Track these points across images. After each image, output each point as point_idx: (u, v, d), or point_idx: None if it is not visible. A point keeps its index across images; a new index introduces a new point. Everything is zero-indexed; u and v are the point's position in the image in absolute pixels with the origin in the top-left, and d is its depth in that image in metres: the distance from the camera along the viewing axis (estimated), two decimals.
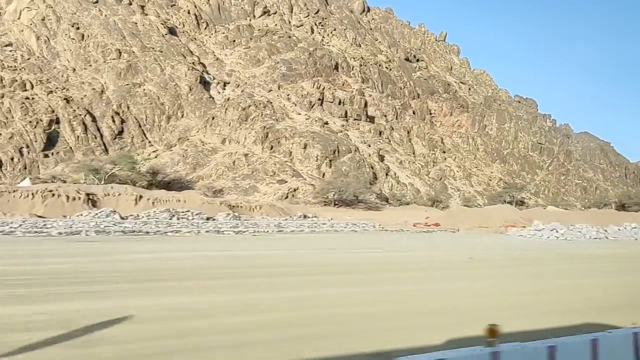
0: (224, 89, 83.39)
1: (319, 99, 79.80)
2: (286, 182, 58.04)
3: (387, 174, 70.96)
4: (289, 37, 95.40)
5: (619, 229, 46.27)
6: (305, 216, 38.42)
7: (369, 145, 75.19)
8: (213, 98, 78.91)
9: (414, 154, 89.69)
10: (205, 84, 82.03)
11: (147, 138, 71.71)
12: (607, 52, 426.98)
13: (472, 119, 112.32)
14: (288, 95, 79.72)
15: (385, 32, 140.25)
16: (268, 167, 59.99)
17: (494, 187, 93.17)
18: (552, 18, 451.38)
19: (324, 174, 62.88)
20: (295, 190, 56.22)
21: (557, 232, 32.25)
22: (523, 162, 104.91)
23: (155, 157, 67.14)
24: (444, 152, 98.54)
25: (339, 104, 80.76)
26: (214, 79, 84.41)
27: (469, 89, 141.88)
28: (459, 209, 47.98)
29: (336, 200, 57.55)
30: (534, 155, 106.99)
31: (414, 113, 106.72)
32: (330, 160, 64.54)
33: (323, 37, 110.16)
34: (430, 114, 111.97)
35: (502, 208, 47.43)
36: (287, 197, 54.59)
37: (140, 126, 72.34)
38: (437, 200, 69.77)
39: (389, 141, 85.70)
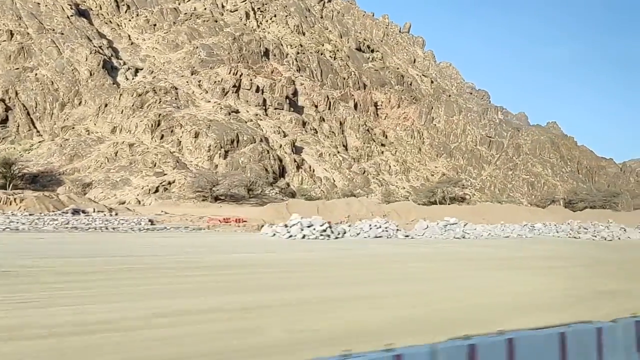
0: (136, 75, 76.74)
1: (235, 86, 73.36)
2: (165, 174, 51.62)
3: (299, 167, 64.73)
4: (215, 21, 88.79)
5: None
6: (82, 212, 30.86)
7: (285, 136, 68.91)
8: (118, 85, 72.21)
9: (344, 146, 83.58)
10: (113, 70, 75.33)
11: (35, 127, 64.91)
12: (594, 47, 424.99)
13: (419, 112, 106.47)
14: (200, 81, 73.20)
15: (339, 21, 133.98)
16: (148, 158, 53.50)
17: (435, 182, 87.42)
18: (529, 11, 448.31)
19: (216, 166, 56.52)
20: (170, 183, 49.80)
21: (314, 229, 25.40)
22: (470, 157, 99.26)
23: (37, 148, 60.42)
24: (382, 145, 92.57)
25: (257, 91, 74.38)
26: (124, 64, 77.70)
27: (432, 82, 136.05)
28: (297, 202, 41.69)
29: (222, 195, 51.23)
30: (482, 149, 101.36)
31: (356, 104, 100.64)
32: (226, 151, 58.17)
33: (261, 23, 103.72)
34: (376, 105, 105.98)
35: (353, 202, 41.23)
36: (156, 191, 48.17)
37: (28, 114, 65.52)
38: (352, 195, 63.73)
39: (316, 132, 79.51)
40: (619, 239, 35.61)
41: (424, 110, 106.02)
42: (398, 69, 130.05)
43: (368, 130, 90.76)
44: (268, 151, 61.21)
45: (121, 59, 78.60)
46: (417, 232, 34.14)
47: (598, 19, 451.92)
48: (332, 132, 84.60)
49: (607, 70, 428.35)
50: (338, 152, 75.83)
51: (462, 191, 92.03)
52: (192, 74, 75.19)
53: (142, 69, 77.96)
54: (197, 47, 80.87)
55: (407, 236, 31.97)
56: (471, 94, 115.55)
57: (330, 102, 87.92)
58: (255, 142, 60.94)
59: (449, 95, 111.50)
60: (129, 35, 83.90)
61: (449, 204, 69.28)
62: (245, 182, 52.50)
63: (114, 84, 71.80)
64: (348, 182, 69.49)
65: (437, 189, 77.44)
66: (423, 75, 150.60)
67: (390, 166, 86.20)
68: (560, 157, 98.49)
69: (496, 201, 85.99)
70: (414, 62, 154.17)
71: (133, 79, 75.25)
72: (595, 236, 36.65)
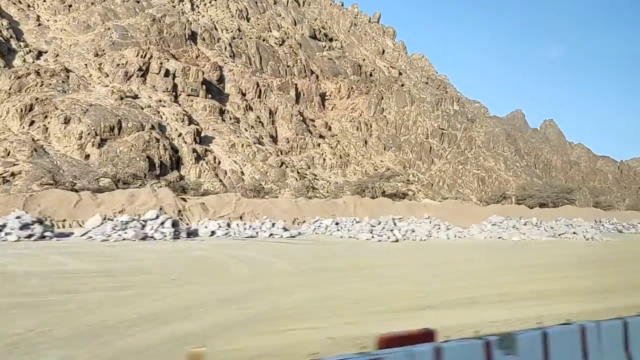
0: (39, 58, 69.80)
1: (140, 70, 66.49)
2: (16, 164, 44.80)
3: (198, 159, 57.92)
4: (137, 2, 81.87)
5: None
6: None
7: (189, 124, 62.07)
8: (11, 68, 65.22)
9: (272, 137, 76.77)
10: (10, 52, 68.40)
11: None
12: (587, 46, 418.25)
13: (369, 103, 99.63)
14: (101, 64, 66.32)
15: (294, 8, 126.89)
16: (2, 146, 46.67)
17: (366, 177, 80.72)
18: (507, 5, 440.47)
19: (88, 156, 49.69)
20: (13, 175, 42.99)
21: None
22: (419, 150, 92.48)
23: None
24: (321, 137, 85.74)
25: (166, 76, 67.51)
26: (26, 46, 70.77)
27: (400, 73, 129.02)
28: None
29: (86, 188, 44.29)
30: (433, 142, 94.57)
31: (298, 94, 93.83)
32: (102, 140, 51.32)
33: (197, 6, 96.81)
34: (323, 96, 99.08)
35: (143, 193, 34.45)
36: None
37: None
38: (258, 189, 56.95)
39: (237, 121, 72.67)
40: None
41: (374, 101, 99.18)
42: (363, 59, 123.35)
43: (304, 120, 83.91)
44: (158, 140, 54.35)
45: (24, 41, 71.66)
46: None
47: (593, 18, 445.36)
48: (260, 121, 77.78)
49: (603, 70, 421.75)
50: (258, 143, 69.01)
51: (406, 187, 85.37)
52: (96, 56, 68.31)
53: (46, 52, 71.07)
54: (109, 29, 73.98)
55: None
56: (427, 83, 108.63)
57: (260, 90, 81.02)
58: (142, 130, 54.10)
59: (402, 85, 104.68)
60: (38, 17, 76.93)
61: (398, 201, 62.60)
62: (111, 174, 45.66)
63: (6, 66, 64.82)
64: (261, 175, 62.68)
65: (365, 183, 70.66)
66: (391, 66, 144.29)
67: (324, 159, 79.40)
68: (515, 151, 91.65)
69: (441, 197, 79.45)
70: (383, 53, 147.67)
71: (33, 62, 68.33)
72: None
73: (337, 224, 34.57)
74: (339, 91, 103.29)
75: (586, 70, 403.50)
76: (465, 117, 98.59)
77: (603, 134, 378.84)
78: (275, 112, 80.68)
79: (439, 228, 36.02)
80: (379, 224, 33.25)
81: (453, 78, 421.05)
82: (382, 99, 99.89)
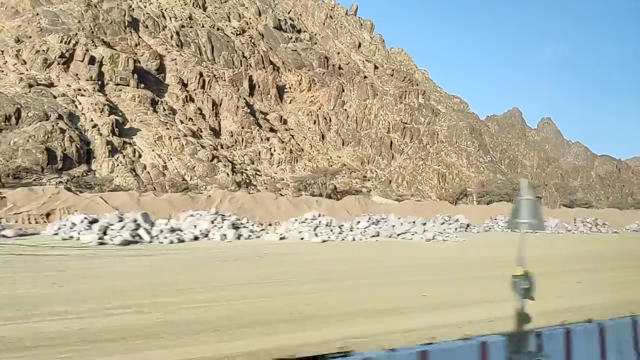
0: None
1: (63, 57, 61.75)
2: None
3: (113, 152, 53.22)
4: None
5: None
6: None
7: (109, 115, 57.34)
8: None
9: (213, 129, 72.08)
10: None
11: None
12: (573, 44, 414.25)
13: (329, 95, 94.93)
14: (19, 50, 61.57)
15: None
16: None
17: (308, 173, 76.29)
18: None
19: None
20: None
21: None
22: (379, 145, 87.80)
23: None
24: (273, 130, 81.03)
25: (91, 63, 62.76)
26: None
27: (375, 67, 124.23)
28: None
29: None
30: (395, 136, 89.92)
31: (253, 86, 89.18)
32: None
33: None
34: (279, 87, 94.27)
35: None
36: None
37: None
38: (177, 185, 52.36)
39: (173, 113, 67.95)
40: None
41: (334, 93, 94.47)
42: (338, 52, 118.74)
43: (252, 113, 79.16)
44: (64, 131, 49.64)
45: None
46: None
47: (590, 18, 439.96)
48: (202, 113, 73.05)
49: (605, 68, 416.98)
50: (193, 136, 64.32)
51: (361, 184, 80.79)
52: (17, 42, 63.56)
53: None
54: (37, 14, 69.21)
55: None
56: (392, 75, 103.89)
57: (204, 80, 76.25)
58: (46, 120, 49.39)
59: (365, 77, 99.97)
60: None
61: (327, 198, 57.98)
62: (24, 168, 41.01)
63: None
64: (187, 170, 58.02)
65: (310, 180, 66.05)
66: (366, 60, 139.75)
67: (272, 154, 74.74)
68: (479, 146, 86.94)
69: (396, 195, 74.88)
70: (359, 46, 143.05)
71: None
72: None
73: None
74: (300, 84, 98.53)
75: (588, 69, 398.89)
76: (430, 110, 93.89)
77: (606, 134, 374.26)
78: (220, 104, 75.94)
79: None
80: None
81: (444, 74, 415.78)
82: (343, 91, 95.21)
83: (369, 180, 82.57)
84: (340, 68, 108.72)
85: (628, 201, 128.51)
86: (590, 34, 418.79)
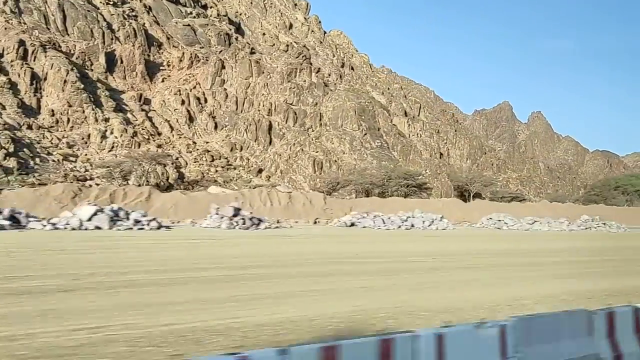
0: None
1: None
2: None
3: None
4: None
5: None
6: None
7: None
8: None
9: (28, 107, 60.59)
10: None
11: None
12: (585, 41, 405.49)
13: (207, 73, 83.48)
14: None
15: None
16: None
17: (198, 160, 65.31)
18: None
19: None
20: None
21: None
22: (256, 129, 76.61)
23: None
24: (120, 111, 69.65)
25: None
26: None
27: (300, 52, 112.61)
28: None
29: None
30: (277, 119, 78.77)
31: (115, 61, 77.74)
32: None
33: None
34: (150, 63, 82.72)
35: None
36: None
37: None
38: None
39: None
40: None
41: (211, 71, 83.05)
42: (263, 34, 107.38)
43: (91, 90, 67.66)
44: None
45: None
46: None
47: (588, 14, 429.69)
48: (17, 88, 61.51)
49: (600, 64, 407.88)
50: (39, 118, 52.78)
51: (224, 173, 69.69)
52: None
53: None
54: None
55: None
56: (286, 51, 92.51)
57: (26, 50, 64.61)
58: None
59: (252, 52, 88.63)
60: None
61: (163, 189, 46.76)
62: None
63: None
64: None
65: (125, 166, 54.76)
66: (294, 42, 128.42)
67: (119, 140, 63.41)
68: (370, 129, 75.79)
69: (254, 186, 63.86)
70: (290, 27, 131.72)
71: None
72: None
73: None
74: (181, 61, 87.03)
75: (585, 63, 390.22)
76: (321, 90, 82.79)
77: (605, 129, 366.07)
78: (45, 79, 64.37)
79: None
80: None
81: (427, 67, 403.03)
82: (223, 68, 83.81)
83: (235, 168, 71.49)
84: (242, 48, 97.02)
85: (578, 195, 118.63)
86: (586, 27, 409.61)
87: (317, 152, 71.49)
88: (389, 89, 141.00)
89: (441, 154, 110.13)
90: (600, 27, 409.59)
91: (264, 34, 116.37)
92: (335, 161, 70.42)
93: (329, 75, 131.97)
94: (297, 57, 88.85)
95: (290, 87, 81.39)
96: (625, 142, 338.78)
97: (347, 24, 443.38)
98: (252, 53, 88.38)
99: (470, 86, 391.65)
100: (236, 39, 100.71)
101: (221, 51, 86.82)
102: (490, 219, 38.36)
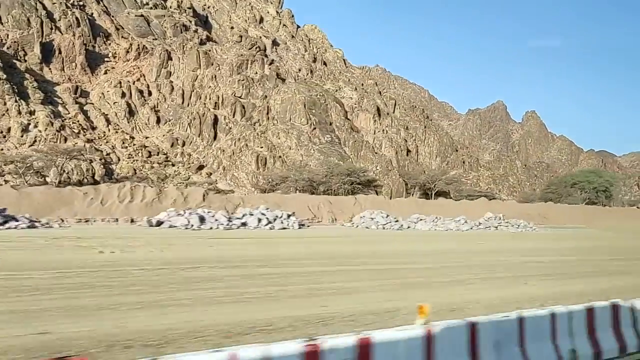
0: None
1: None
2: None
3: None
4: None
5: None
6: None
7: None
8: None
9: None
10: None
11: None
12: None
13: (152, 65, 79.21)
14: None
15: None
16: None
17: (134, 156, 61.25)
18: None
19: None
20: None
21: None
22: (200, 124, 72.42)
23: None
24: (51, 103, 65.37)
25: None
26: None
27: (253, 43, 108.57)
28: None
29: None
30: (223, 113, 74.57)
31: (53, 51, 73.51)
32: None
33: None
34: (92, 54, 78.42)
35: None
36: None
37: None
38: None
39: None
40: None
41: (156, 62, 78.80)
42: (231, 27, 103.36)
43: (17, 82, 63.36)
44: None
45: None
46: None
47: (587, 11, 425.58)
48: None
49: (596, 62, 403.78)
50: None
51: (162, 171, 65.56)
52: None
53: None
54: None
55: None
56: (240, 42, 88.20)
57: None
58: None
59: (201, 42, 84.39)
60: None
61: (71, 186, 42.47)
62: None
63: None
64: None
65: (35, 161, 50.53)
66: (264, 36, 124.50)
67: (27, 131, 59.15)
68: (320, 123, 71.62)
69: (192, 183, 59.92)
70: (260, 21, 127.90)
71: None
72: None
73: None
74: (128, 52, 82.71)
75: (580, 62, 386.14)
76: (273, 82, 78.61)
77: (603, 129, 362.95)
78: None
79: None
80: None
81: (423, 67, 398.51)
82: (170, 60, 79.55)
83: (173, 165, 67.32)
84: (202, 43, 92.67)
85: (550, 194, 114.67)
86: (581, 26, 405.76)
87: (261, 147, 67.35)
88: (362, 85, 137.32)
89: (409, 150, 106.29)
90: (600, 27, 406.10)
91: (232, 27, 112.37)
92: (280, 157, 66.30)
93: (299, 70, 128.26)
94: (249, 49, 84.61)
95: (240, 79, 77.18)
96: (622, 142, 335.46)
97: (346, 22, 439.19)
98: (201, 44, 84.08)
99: (464, 86, 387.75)
100: (195, 31, 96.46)
101: (169, 42, 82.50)
102: (363, 217, 34.26)
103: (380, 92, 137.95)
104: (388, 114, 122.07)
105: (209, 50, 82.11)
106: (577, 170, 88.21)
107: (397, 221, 34.04)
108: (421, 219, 34.60)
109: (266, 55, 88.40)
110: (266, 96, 75.26)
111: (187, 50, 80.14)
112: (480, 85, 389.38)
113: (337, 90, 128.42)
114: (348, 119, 77.29)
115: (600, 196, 65.30)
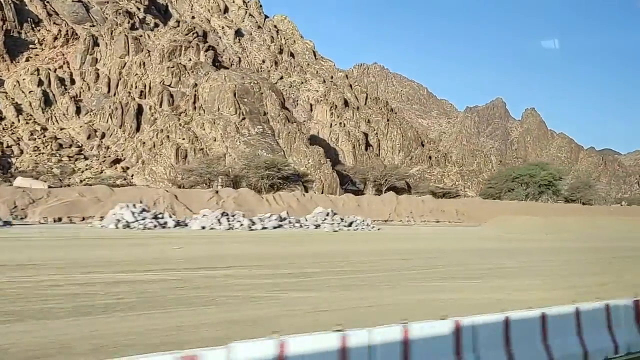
0: None
1: None
2: None
3: None
4: None
5: None
6: None
7: None
8: None
9: None
10: None
11: None
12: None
13: (76, 51, 73.83)
14: None
15: None
16: None
17: (40, 149, 56.03)
18: None
19: None
20: None
21: None
22: (122, 114, 67.07)
23: None
24: None
25: None
26: None
27: (191, 29, 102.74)
28: None
29: None
30: (149, 102, 69.21)
31: None
32: None
33: None
34: (11, 41, 73.06)
35: None
36: None
37: None
38: None
39: None
40: None
41: (81, 48, 73.43)
42: (193, 17, 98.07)
43: None
44: None
45: None
46: None
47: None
48: None
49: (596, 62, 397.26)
50: None
51: (72, 165, 60.24)
52: None
53: None
54: None
55: None
56: (177, 27, 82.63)
57: None
58: None
59: (133, 27, 78.94)
60: None
61: None
62: None
63: None
64: None
65: None
66: (227, 26, 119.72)
67: None
68: (248, 113, 66.14)
69: (104, 178, 54.80)
70: (225, 11, 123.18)
71: None
72: None
73: None
74: (56, 39, 77.39)
75: (584, 60, 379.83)
76: (207, 69, 73.16)
77: (604, 127, 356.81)
78: None
79: None
80: None
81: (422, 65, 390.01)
82: (97, 46, 74.12)
83: (86, 159, 62.02)
84: (133, 28, 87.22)
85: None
86: (580, 25, 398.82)
87: (183, 139, 61.98)
88: (332, 77, 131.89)
89: (368, 144, 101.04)
90: (600, 26, 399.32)
91: (193, 17, 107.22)
92: (202, 149, 60.93)
93: (263, 61, 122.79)
94: (186, 34, 79.13)
95: (170, 66, 71.78)
96: (627, 141, 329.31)
97: (344, 20, 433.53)
98: (133, 29, 78.63)
99: (464, 83, 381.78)
100: (143, 18, 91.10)
101: (94, 26, 77.13)
102: (114, 214, 28.90)
103: (351, 86, 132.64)
104: (359, 108, 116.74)
105: (140, 36, 76.69)
106: (525, 165, 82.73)
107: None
108: (205, 215, 29.34)
109: (206, 41, 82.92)
110: (196, 84, 69.88)
111: (116, 36, 74.74)
112: (479, 83, 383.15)
113: (302, 83, 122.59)
114: (285, 109, 71.80)
115: (545, 191, 59.72)
